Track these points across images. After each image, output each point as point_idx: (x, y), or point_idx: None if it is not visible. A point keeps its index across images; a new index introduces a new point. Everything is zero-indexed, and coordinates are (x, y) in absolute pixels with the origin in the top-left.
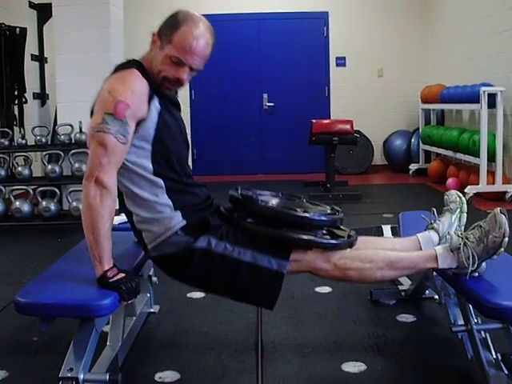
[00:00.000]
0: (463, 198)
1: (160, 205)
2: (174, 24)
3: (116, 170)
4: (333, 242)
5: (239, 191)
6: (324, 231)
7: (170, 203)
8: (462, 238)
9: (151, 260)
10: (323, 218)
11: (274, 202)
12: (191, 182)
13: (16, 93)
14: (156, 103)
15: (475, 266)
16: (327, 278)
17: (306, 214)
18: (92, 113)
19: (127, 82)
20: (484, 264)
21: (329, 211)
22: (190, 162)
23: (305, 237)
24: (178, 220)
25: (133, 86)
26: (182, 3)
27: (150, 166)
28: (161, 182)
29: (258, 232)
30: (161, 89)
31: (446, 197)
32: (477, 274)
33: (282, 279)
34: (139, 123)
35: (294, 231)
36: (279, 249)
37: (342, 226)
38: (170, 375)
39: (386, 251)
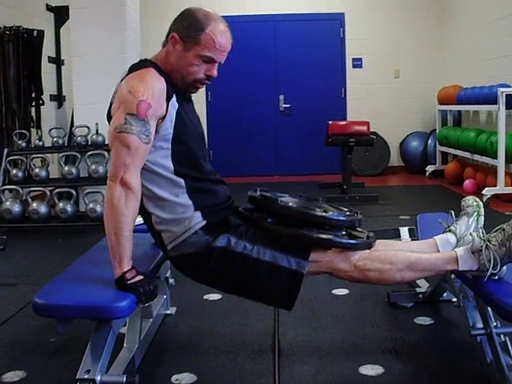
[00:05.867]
0: (480, 202)
1: (180, 205)
2: (197, 24)
3: (139, 170)
4: (352, 241)
5: (258, 192)
6: (343, 232)
7: (191, 203)
8: (484, 241)
9: (169, 260)
10: (342, 218)
11: (293, 202)
12: (213, 178)
13: (33, 95)
14: (174, 101)
15: (496, 269)
16: (346, 279)
17: (325, 214)
18: (109, 114)
19: (147, 80)
20: (504, 267)
21: (348, 212)
22: None
23: (324, 236)
24: (197, 220)
25: (153, 84)
26: (197, 5)
27: (171, 165)
28: (182, 181)
29: (278, 231)
30: (189, 90)
31: (462, 203)
32: (497, 278)
33: (301, 279)
34: (158, 122)
35: (313, 231)
36: (299, 249)
37: (359, 228)
38: (187, 377)
39: (405, 252)
